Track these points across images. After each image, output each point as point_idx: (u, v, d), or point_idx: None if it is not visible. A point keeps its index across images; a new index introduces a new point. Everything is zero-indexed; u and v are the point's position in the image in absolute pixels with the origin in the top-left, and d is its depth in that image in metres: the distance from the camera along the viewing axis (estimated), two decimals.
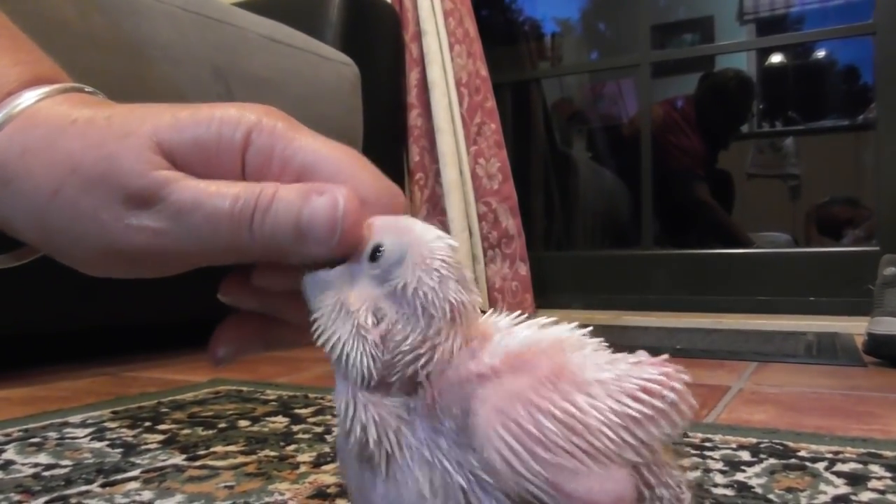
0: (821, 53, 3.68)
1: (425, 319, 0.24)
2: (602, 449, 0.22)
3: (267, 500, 0.43)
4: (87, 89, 0.30)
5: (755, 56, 3.58)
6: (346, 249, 0.25)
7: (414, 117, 1.58)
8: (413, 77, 1.58)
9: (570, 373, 0.23)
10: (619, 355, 0.25)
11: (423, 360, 0.24)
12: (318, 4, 1.44)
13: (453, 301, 0.24)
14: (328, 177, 0.26)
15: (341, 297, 0.24)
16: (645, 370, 0.24)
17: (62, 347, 1.10)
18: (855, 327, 1.27)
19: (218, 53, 1.02)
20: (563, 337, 0.25)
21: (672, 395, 0.24)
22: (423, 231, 0.25)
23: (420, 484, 0.24)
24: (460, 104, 1.57)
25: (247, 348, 0.30)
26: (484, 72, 1.60)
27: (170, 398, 0.74)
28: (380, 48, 1.55)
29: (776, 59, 3.74)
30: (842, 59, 3.61)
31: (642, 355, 0.25)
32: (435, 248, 0.24)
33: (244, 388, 0.80)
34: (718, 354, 1.09)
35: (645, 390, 0.23)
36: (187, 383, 0.85)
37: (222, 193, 0.25)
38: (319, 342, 0.25)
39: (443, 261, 0.24)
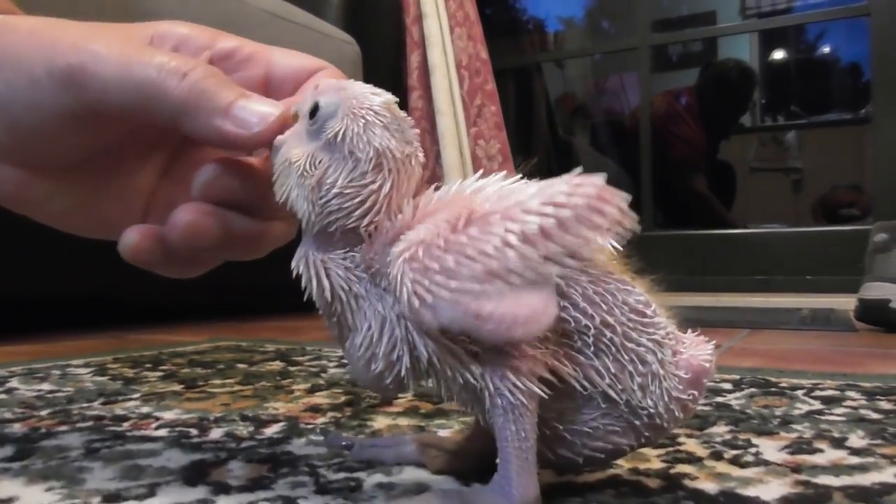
0: (825, 49, 3.68)
1: (352, 163, 0.26)
2: (503, 270, 0.23)
3: (260, 413, 0.44)
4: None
5: (758, 52, 3.58)
6: (253, 145, 0.28)
7: (415, 99, 1.60)
8: (414, 59, 1.60)
9: (471, 211, 0.24)
10: (536, 183, 0.25)
11: (352, 204, 0.26)
12: None
13: (377, 146, 0.25)
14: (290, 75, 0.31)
15: (286, 155, 0.27)
16: (553, 186, 0.24)
17: (63, 314, 1.12)
18: (851, 303, 1.28)
19: (219, 26, 1.04)
20: (487, 184, 0.26)
21: (580, 200, 0.24)
22: (360, 87, 0.27)
23: (372, 329, 0.26)
24: (461, 86, 1.59)
25: (205, 233, 0.29)
26: (484, 54, 1.62)
27: (171, 350, 0.76)
28: (380, 31, 1.57)
29: (779, 55, 3.75)
30: (844, 56, 3.62)
31: (561, 177, 0.25)
32: (366, 99, 0.26)
33: (244, 343, 0.82)
34: (714, 324, 1.10)
35: (548, 203, 0.24)
36: (189, 342, 0.87)
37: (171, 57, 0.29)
38: (277, 197, 0.27)
39: (370, 109, 0.26)
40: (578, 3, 3.76)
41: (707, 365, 0.27)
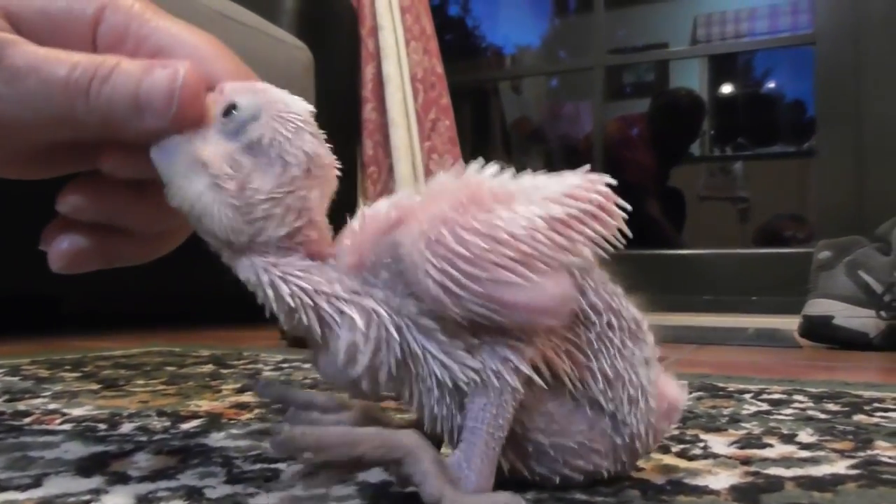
0: (771, 85, 3.81)
1: (280, 167, 0.24)
2: (534, 254, 0.22)
3: (181, 409, 0.41)
4: None
5: (707, 85, 3.69)
6: (183, 123, 0.24)
7: (368, 111, 1.58)
8: (368, 71, 1.58)
9: (489, 190, 0.23)
10: (545, 175, 0.25)
11: (280, 210, 0.24)
12: None
13: (308, 151, 0.24)
14: (182, 58, 0.25)
15: (195, 155, 0.24)
16: (566, 178, 0.24)
17: None
18: (795, 323, 1.30)
19: None
20: (486, 171, 0.25)
21: (596, 196, 0.24)
22: (278, 91, 0.25)
23: (353, 331, 0.23)
24: (415, 99, 1.58)
25: (83, 261, 0.28)
26: (440, 69, 1.61)
27: (96, 353, 0.72)
28: (336, 41, 1.55)
29: (727, 88, 3.86)
30: (789, 92, 3.76)
31: (573, 172, 0.25)
32: (290, 103, 0.25)
33: (177, 349, 0.78)
34: (662, 340, 1.10)
35: (568, 195, 0.23)
36: (119, 347, 0.82)
37: (60, 60, 0.24)
38: (175, 202, 0.24)
39: (297, 114, 0.25)
40: (535, 32, 3.83)
41: (679, 402, 0.27)
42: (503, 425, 0.23)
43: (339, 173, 0.26)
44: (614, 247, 0.24)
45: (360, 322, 0.23)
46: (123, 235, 0.28)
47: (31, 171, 0.28)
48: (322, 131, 0.26)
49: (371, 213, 0.25)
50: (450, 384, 0.23)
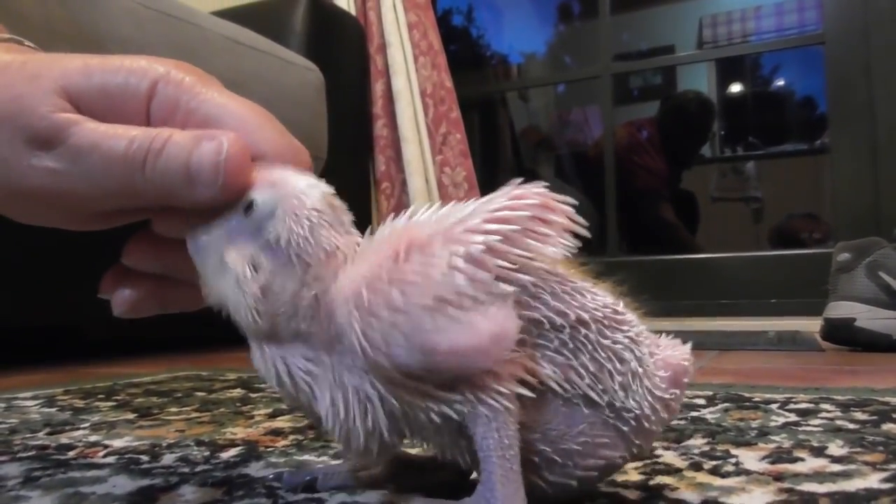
0: (780, 83, 3.80)
1: (301, 268, 0.24)
2: (461, 293, 0.22)
3: (217, 438, 0.42)
4: (26, 43, 0.31)
5: (716, 85, 3.68)
6: (231, 194, 0.25)
7: (379, 127, 1.59)
8: (378, 88, 1.59)
9: (409, 240, 0.23)
10: (474, 201, 0.24)
11: (303, 307, 0.24)
12: (283, 15, 1.45)
13: (326, 247, 0.24)
14: (230, 130, 0.26)
15: (221, 254, 0.25)
16: (492, 202, 0.23)
17: (15, 348, 1.07)
18: (816, 325, 1.29)
19: (178, 52, 1.03)
20: (421, 213, 0.25)
21: (524, 213, 0.23)
22: (295, 182, 0.25)
23: (327, 400, 0.24)
24: (425, 114, 1.59)
25: (143, 307, 0.30)
26: (449, 83, 1.62)
27: (126, 381, 0.73)
28: (345, 59, 1.57)
29: (736, 88, 3.85)
30: (799, 89, 3.74)
31: (500, 190, 0.24)
32: (305, 197, 0.25)
33: (204, 373, 0.79)
34: None
35: (490, 220, 0.23)
36: (146, 373, 0.84)
37: (119, 135, 0.25)
38: (210, 300, 0.25)
39: (313, 209, 0.24)
40: (540, 39, 3.84)
41: (685, 363, 0.26)
42: (511, 444, 0.23)
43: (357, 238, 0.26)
44: (569, 248, 0.23)
45: (337, 397, 0.24)
46: (178, 284, 0.30)
47: (92, 226, 0.29)
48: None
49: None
50: (438, 420, 0.24)
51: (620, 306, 0.26)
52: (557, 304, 0.24)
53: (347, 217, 0.26)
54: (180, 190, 0.25)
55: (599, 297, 0.25)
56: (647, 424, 0.25)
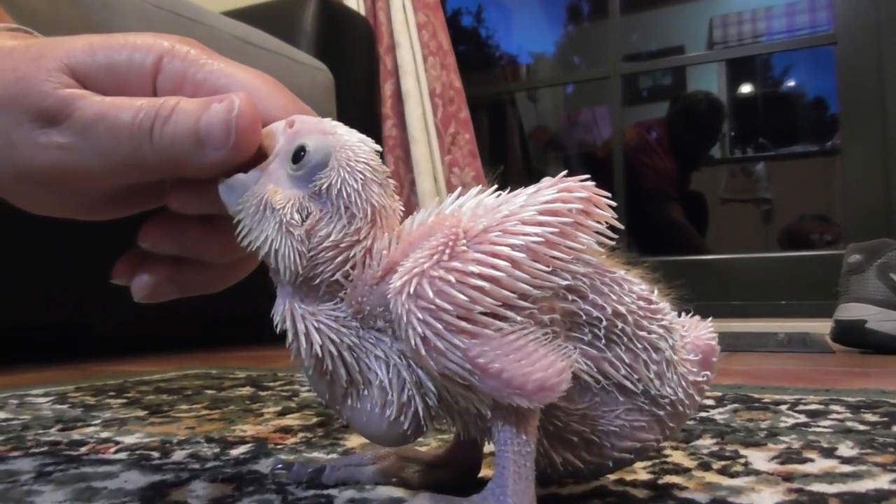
0: (790, 84, 3.78)
1: (347, 218, 0.24)
2: (525, 282, 0.22)
3: (227, 435, 0.42)
4: (34, 33, 0.31)
5: (726, 86, 3.66)
6: (242, 154, 0.25)
7: (389, 128, 1.60)
8: (387, 88, 1.60)
9: (463, 231, 0.23)
10: (520, 191, 0.24)
11: (342, 258, 0.24)
12: (293, 15, 1.46)
13: (375, 204, 0.24)
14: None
15: (265, 196, 0.24)
16: (542, 194, 0.24)
17: (27, 347, 1.08)
18: (826, 327, 1.28)
19: None
20: (465, 201, 0.25)
21: (576, 205, 0.23)
22: (347, 133, 0.25)
23: (381, 380, 0.24)
24: (434, 114, 1.59)
25: (162, 292, 0.30)
26: (458, 83, 1.63)
27: (136, 378, 0.73)
28: (354, 60, 1.57)
29: (746, 88, 3.83)
30: (810, 90, 3.72)
31: (544, 181, 0.24)
32: (359, 150, 0.25)
33: (213, 371, 0.79)
34: None
35: (544, 212, 0.23)
36: (156, 371, 0.84)
37: (125, 106, 0.25)
38: (245, 242, 0.25)
39: (367, 164, 0.25)
40: (550, 39, 3.83)
41: (713, 343, 0.27)
42: (528, 439, 0.23)
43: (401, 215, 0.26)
44: (611, 241, 0.24)
45: (381, 371, 0.24)
46: (197, 266, 0.30)
47: (102, 213, 0.29)
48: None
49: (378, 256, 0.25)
50: (475, 410, 0.24)
51: (654, 295, 0.26)
52: (595, 296, 0.24)
53: (392, 181, 0.26)
54: (190, 155, 0.25)
55: (636, 287, 0.25)
56: (681, 408, 0.26)
